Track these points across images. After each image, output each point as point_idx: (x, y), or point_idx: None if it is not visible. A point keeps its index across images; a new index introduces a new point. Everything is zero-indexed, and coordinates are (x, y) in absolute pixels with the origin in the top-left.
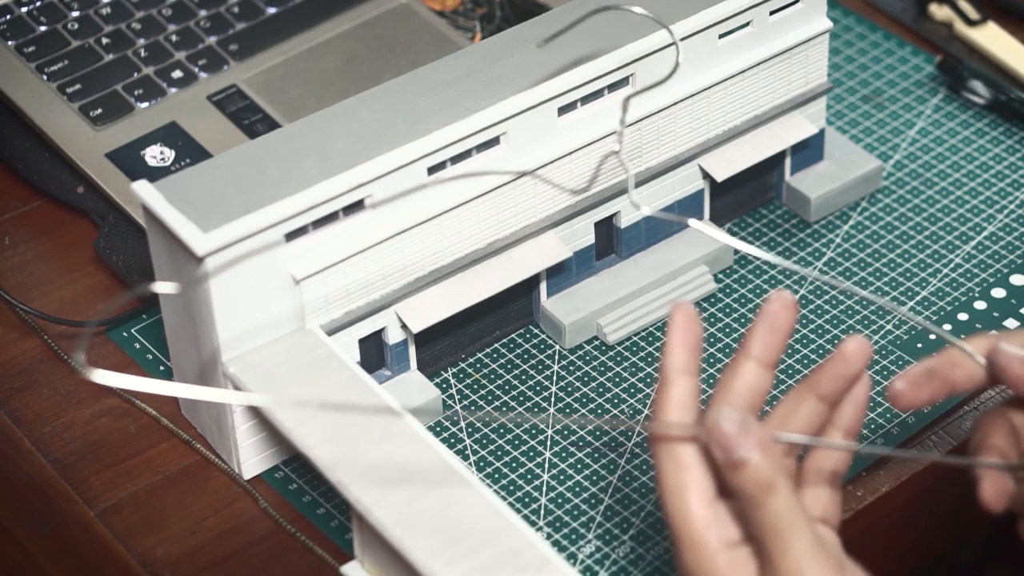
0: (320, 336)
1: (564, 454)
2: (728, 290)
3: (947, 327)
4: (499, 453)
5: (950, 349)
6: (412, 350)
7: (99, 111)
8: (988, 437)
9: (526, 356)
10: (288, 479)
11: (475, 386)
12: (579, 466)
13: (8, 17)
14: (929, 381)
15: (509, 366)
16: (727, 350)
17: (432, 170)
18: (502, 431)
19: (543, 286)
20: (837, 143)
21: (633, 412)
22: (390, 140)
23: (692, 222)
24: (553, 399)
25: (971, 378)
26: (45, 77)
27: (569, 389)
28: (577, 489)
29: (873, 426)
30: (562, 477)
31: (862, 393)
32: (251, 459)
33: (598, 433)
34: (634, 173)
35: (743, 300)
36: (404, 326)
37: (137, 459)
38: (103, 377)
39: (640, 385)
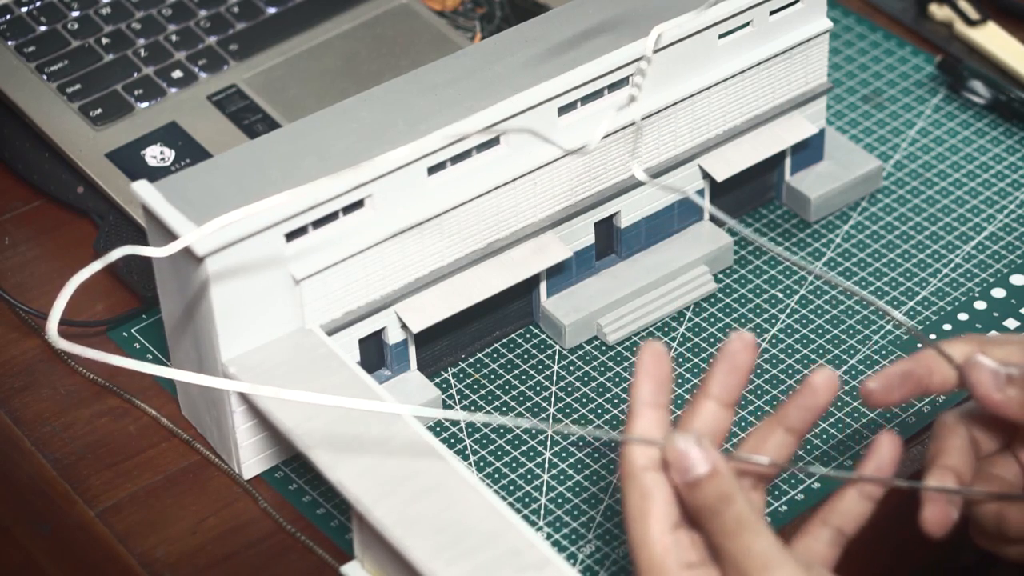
0: (320, 336)
1: (564, 454)
2: (728, 290)
3: (947, 327)
4: (499, 453)
5: (927, 351)
6: (412, 350)
7: (99, 111)
8: (941, 455)
9: (526, 356)
10: (288, 479)
11: (475, 386)
12: (579, 466)
13: (8, 17)
14: (903, 384)
15: (509, 366)
16: None
17: (432, 170)
18: (502, 431)
19: (543, 286)
20: (837, 143)
21: None
22: (390, 140)
23: (692, 195)
24: (553, 399)
25: (945, 383)
26: (45, 77)
27: (569, 389)
28: (577, 489)
29: (873, 425)
30: (562, 477)
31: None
32: (251, 459)
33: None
34: (639, 142)
35: (743, 300)
36: (404, 326)
37: (137, 459)
38: (70, 347)
39: None
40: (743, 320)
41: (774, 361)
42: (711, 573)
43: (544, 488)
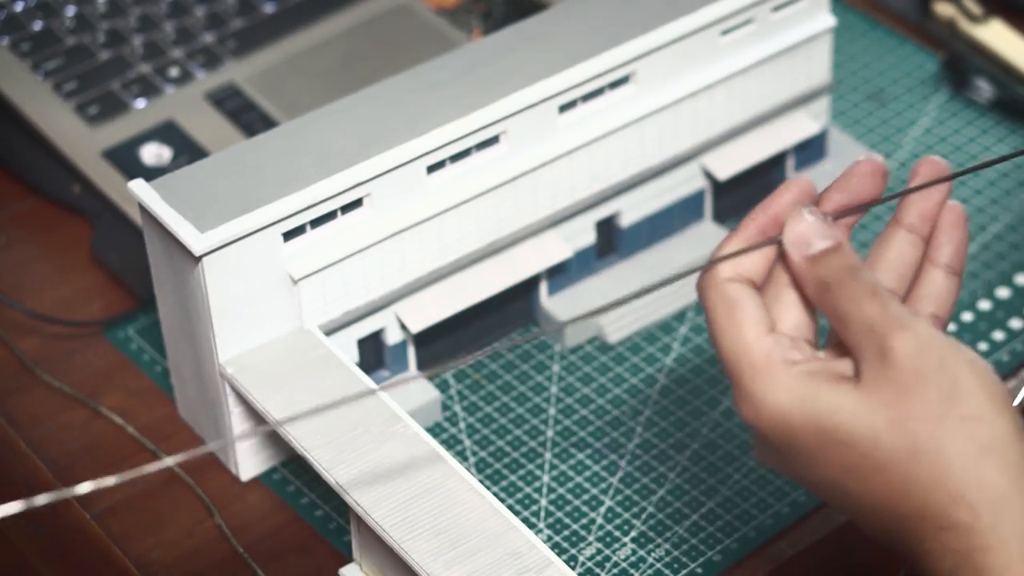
0: (318, 336)
1: (564, 456)
2: None
3: (951, 327)
4: (499, 455)
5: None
6: (412, 350)
7: (96, 109)
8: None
9: (526, 356)
10: (286, 481)
11: (475, 386)
12: (580, 468)
13: (4, 14)
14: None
15: (509, 366)
16: None
17: (431, 169)
18: (502, 432)
19: (543, 286)
20: (840, 141)
21: (634, 412)
22: (389, 138)
23: None
24: (553, 400)
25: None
26: (41, 75)
27: (569, 390)
28: (577, 491)
29: None
30: (562, 479)
31: (950, 220)
32: (249, 460)
33: (598, 435)
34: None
35: None
36: (403, 326)
37: (133, 461)
38: None
39: (641, 386)
40: None
41: None
42: (815, 366)
43: (544, 490)
